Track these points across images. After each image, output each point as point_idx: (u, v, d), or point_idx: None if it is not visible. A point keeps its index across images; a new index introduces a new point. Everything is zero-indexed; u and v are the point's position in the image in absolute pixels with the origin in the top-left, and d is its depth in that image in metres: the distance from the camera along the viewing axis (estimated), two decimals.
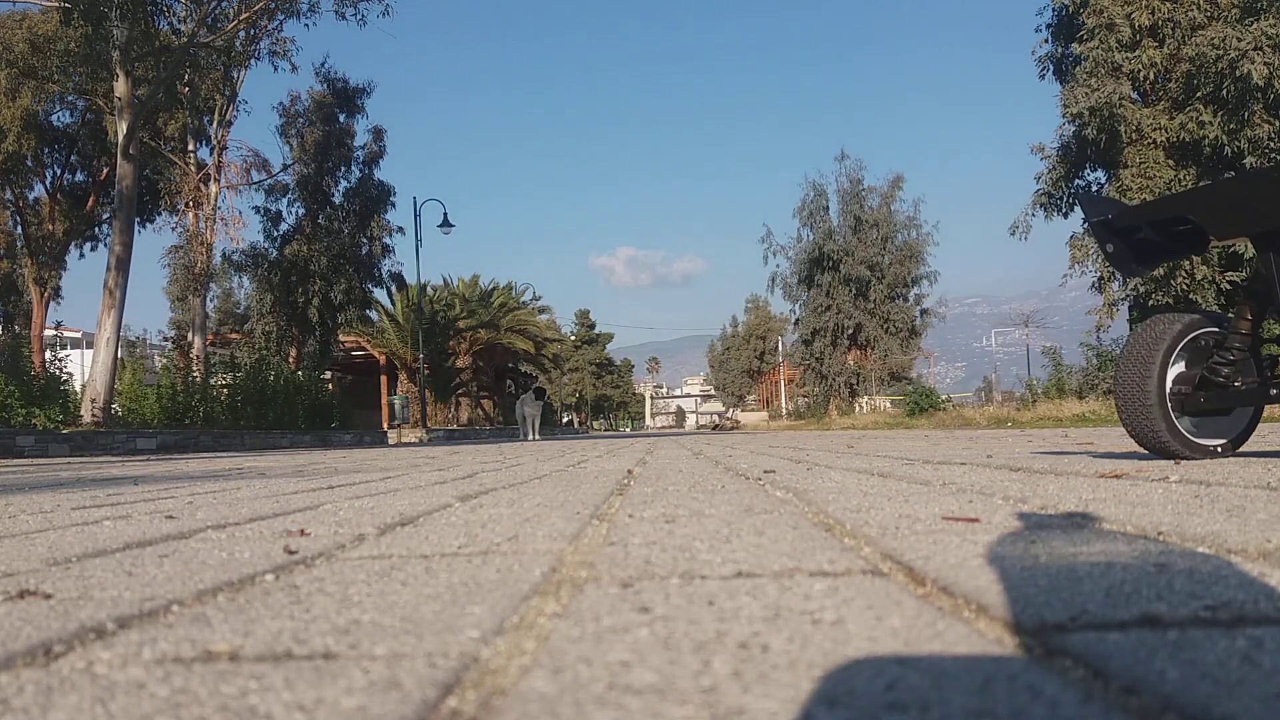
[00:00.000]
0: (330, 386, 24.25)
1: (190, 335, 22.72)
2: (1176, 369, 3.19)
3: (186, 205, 23.30)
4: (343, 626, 0.87)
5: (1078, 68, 22.17)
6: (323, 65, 25.77)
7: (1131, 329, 19.10)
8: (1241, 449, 3.41)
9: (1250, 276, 3.13)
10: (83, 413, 14.32)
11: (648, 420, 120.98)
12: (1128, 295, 22.59)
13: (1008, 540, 1.31)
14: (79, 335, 38.52)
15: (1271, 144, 20.27)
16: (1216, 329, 3.21)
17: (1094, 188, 24.42)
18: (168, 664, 0.75)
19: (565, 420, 62.91)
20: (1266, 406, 3.39)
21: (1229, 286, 20.19)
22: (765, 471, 3.41)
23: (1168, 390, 3.13)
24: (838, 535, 1.46)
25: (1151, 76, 22.02)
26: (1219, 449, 3.23)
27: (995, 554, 1.19)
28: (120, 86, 16.14)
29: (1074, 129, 22.66)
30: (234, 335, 35.23)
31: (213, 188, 23.35)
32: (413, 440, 21.48)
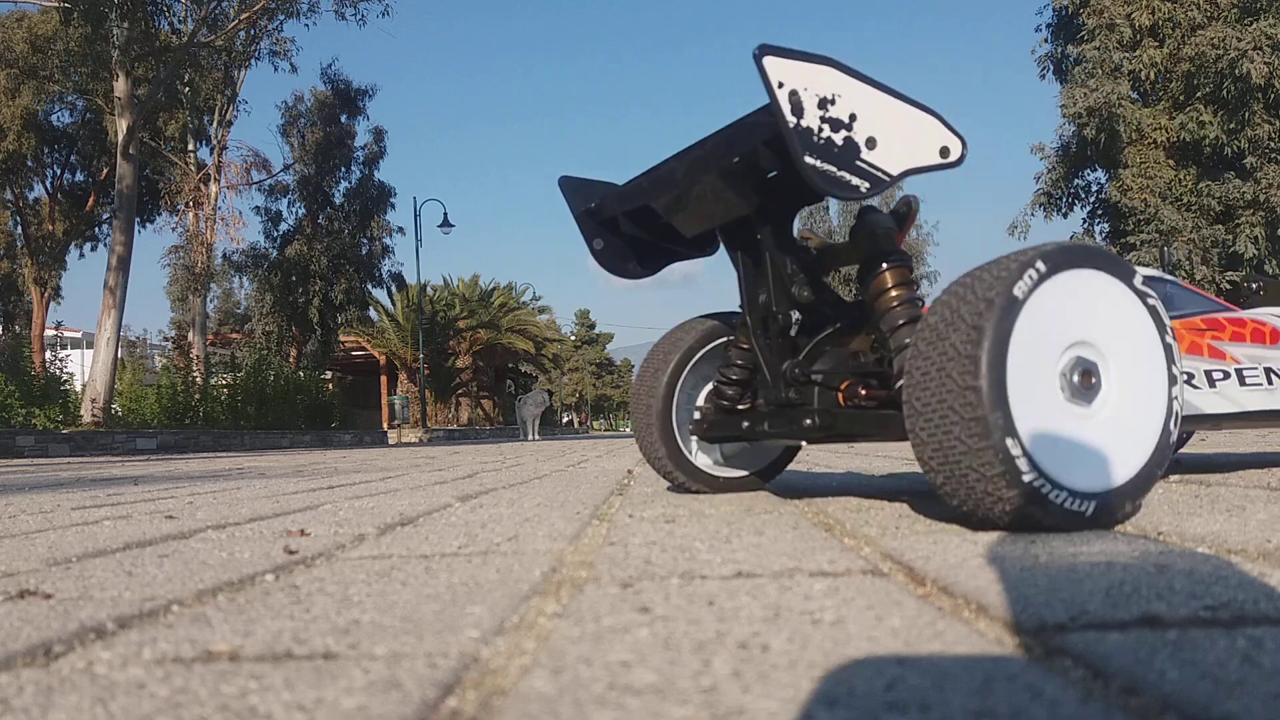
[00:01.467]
0: (330, 386, 24.24)
1: (190, 335, 22.70)
2: (708, 386, 2.47)
3: (187, 205, 23.30)
4: (343, 626, 0.87)
5: (1077, 68, 22.20)
6: (330, 66, 25.89)
7: None
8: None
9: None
10: (83, 413, 14.32)
11: None
12: None
13: (1008, 540, 1.31)
14: (79, 335, 38.52)
15: (1271, 143, 20.28)
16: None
17: (1094, 188, 24.45)
18: (168, 664, 0.75)
19: (565, 420, 62.88)
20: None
21: (1229, 287, 20.18)
22: None
23: (675, 411, 2.43)
24: (838, 535, 1.46)
25: (1152, 76, 22.05)
26: (740, 481, 2.50)
27: (995, 554, 1.19)
28: (120, 86, 16.14)
29: (1074, 129, 22.70)
30: (234, 335, 35.27)
31: (213, 188, 23.34)
32: (413, 440, 21.48)
